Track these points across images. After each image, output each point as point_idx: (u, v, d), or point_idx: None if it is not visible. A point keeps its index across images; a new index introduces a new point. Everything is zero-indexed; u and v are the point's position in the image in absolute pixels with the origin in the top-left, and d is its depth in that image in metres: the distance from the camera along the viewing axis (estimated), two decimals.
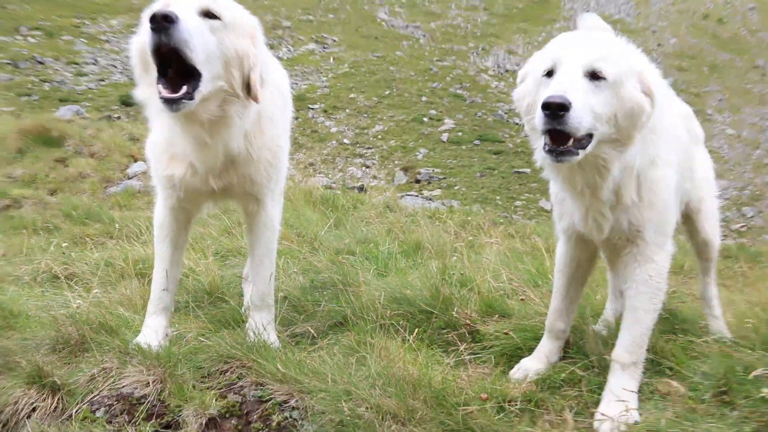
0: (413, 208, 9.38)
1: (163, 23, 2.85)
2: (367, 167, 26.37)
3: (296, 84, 33.06)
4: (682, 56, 42.82)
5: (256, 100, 3.26)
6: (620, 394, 3.09)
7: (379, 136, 29.21)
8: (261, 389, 3.25)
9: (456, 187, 24.49)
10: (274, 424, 3.12)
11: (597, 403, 3.15)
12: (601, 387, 3.24)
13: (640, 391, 3.20)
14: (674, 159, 3.29)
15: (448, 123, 30.29)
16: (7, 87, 22.72)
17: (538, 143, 3.05)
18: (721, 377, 3.13)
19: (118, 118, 21.59)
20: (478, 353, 3.72)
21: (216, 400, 3.20)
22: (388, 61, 36.91)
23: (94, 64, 32.44)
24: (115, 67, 31.96)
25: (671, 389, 3.17)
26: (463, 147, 28.34)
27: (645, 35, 44.97)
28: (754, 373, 3.08)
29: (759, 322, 3.68)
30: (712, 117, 33.92)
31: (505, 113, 31.23)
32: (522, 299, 4.44)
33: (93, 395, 3.26)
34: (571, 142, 2.82)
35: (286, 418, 3.12)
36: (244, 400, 3.22)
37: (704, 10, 51.72)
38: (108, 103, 27.46)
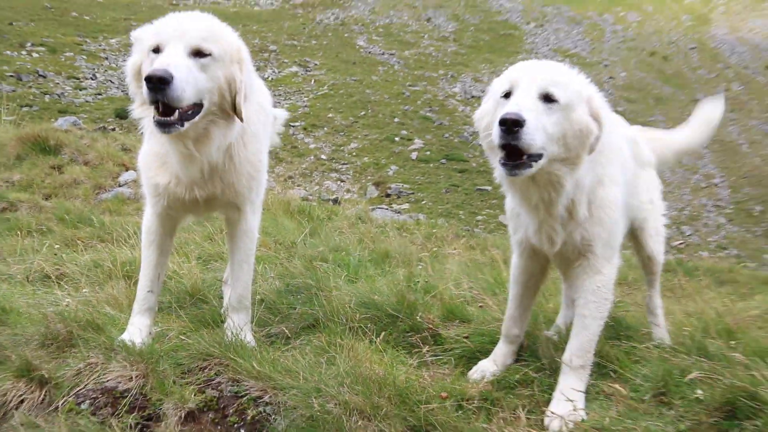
0: (383, 220, 9.37)
1: (158, 85, 2.89)
2: (342, 181, 26.33)
3: (279, 103, 32.98)
4: (631, 88, 43.40)
5: (240, 118, 3.26)
6: (569, 394, 3.10)
7: (354, 153, 29.20)
8: (237, 385, 3.21)
9: (423, 202, 24.53)
10: (248, 418, 3.09)
11: (548, 403, 3.15)
12: (551, 387, 3.24)
13: (587, 392, 3.21)
14: (621, 179, 3.33)
15: (418, 143, 30.35)
16: (10, 98, 22.37)
17: (495, 160, 3.07)
18: (660, 380, 3.15)
19: (113, 129, 21.38)
20: (440, 355, 3.71)
21: (195, 395, 3.16)
22: (364, 84, 36.95)
23: (92, 79, 32.10)
24: (112, 82, 31.63)
25: (615, 390, 3.19)
26: (431, 165, 28.41)
27: (598, 68, 45.51)
28: (689, 377, 3.10)
29: (694, 330, 3.72)
30: None
31: (470, 135, 31.36)
32: (481, 306, 4.44)
33: (79, 388, 3.21)
34: (525, 157, 2.84)
35: (260, 412, 3.09)
36: (221, 395, 3.19)
37: (651, 48, 52.52)
38: (104, 115, 27.14)
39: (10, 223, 6.93)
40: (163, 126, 3.02)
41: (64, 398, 3.17)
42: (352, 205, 11.07)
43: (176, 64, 2.98)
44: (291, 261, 5.44)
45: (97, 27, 39.06)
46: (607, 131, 3.12)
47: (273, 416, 3.07)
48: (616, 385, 3.22)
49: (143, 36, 3.26)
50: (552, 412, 3.04)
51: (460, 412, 3.07)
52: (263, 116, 3.73)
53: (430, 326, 3.91)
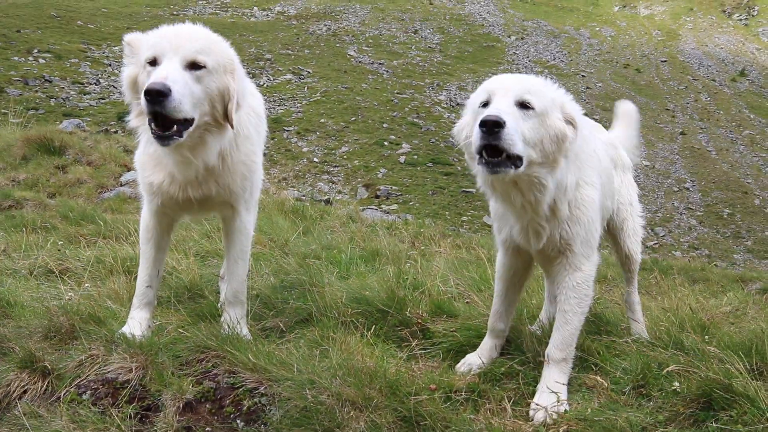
0: (373, 220, 9.33)
1: (157, 98, 2.85)
2: (334, 183, 26.29)
3: (274, 108, 32.92)
4: (606, 98, 43.62)
5: (231, 125, 3.23)
6: (552, 386, 3.08)
7: (345, 157, 29.16)
8: (233, 377, 3.17)
9: (411, 203, 24.53)
10: (244, 408, 3.05)
11: (532, 395, 3.13)
12: (536, 380, 3.22)
13: (569, 384, 3.19)
14: (597, 181, 3.32)
15: (406, 147, 30.35)
16: (17, 101, 22.21)
17: (478, 165, 3.05)
18: (639, 373, 3.14)
19: (115, 132, 21.21)
20: (428, 349, 3.68)
21: (192, 386, 3.12)
22: (355, 92, 36.92)
23: (96, 84, 31.92)
24: (115, 87, 31.41)
25: (596, 383, 3.18)
26: (418, 168, 28.42)
27: (575, 79, 45.75)
28: (667, 370, 3.09)
29: (671, 326, 3.71)
30: None
31: (456, 142, 31.44)
32: (467, 302, 4.41)
33: (80, 379, 3.18)
34: (504, 155, 2.82)
35: (256, 403, 3.06)
36: (217, 387, 3.14)
37: (625, 61, 52.85)
38: (107, 118, 26.98)
39: (16, 220, 6.86)
40: (163, 139, 2.98)
41: (66, 389, 3.14)
42: (343, 205, 11.00)
43: (173, 77, 2.93)
44: (285, 258, 5.39)
45: (101, 35, 38.86)
46: (582, 136, 3.13)
47: (268, 407, 3.04)
48: (598, 378, 3.19)
49: (136, 42, 3.22)
50: (536, 404, 3.02)
51: (448, 403, 3.04)
52: (255, 119, 3.69)
53: (419, 321, 3.88)
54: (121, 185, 9.60)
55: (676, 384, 2.98)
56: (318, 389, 2.97)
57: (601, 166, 3.44)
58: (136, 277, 3.82)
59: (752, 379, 2.85)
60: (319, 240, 6.47)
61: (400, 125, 33.22)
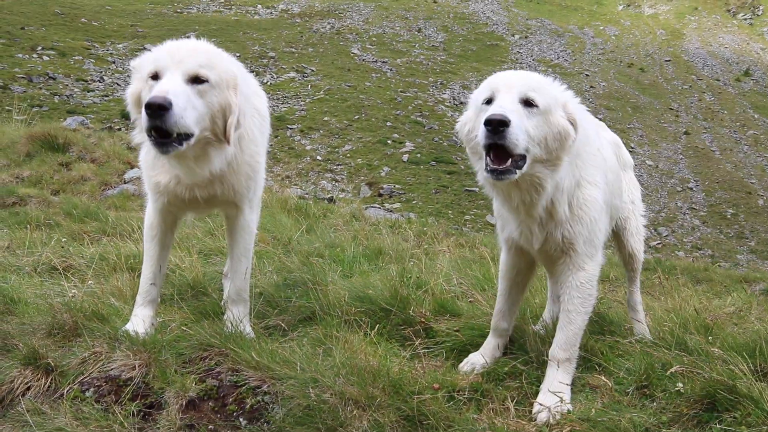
0: (376, 219, 9.33)
1: (158, 112, 2.83)
2: (337, 181, 26.26)
3: (277, 106, 32.87)
4: (610, 97, 43.50)
5: (228, 142, 3.21)
6: (556, 386, 3.08)
7: (348, 155, 29.11)
8: (236, 375, 3.17)
9: (414, 202, 24.48)
10: (247, 406, 3.05)
11: (536, 394, 3.13)
12: (539, 380, 3.22)
13: (573, 384, 3.19)
14: (601, 180, 3.30)
15: (409, 146, 30.30)
16: (21, 98, 22.21)
17: (480, 165, 3.06)
18: (642, 373, 3.13)
19: (119, 129, 21.22)
20: (431, 348, 3.68)
21: (195, 384, 3.12)
22: (358, 90, 36.86)
23: (100, 81, 31.89)
24: (119, 85, 31.38)
25: (600, 383, 3.17)
26: (421, 167, 28.36)
27: (579, 78, 45.59)
28: (671, 370, 3.08)
29: (674, 326, 3.69)
30: (635, 150, 34.51)
31: (458, 139, 31.40)
32: (470, 301, 4.41)
33: (83, 376, 3.18)
34: (509, 162, 2.82)
35: (259, 401, 3.06)
36: (220, 385, 3.15)
37: (629, 60, 52.69)
38: (110, 116, 26.95)
39: (20, 216, 6.87)
40: (162, 146, 2.97)
41: (69, 386, 3.14)
42: (347, 204, 11.01)
43: (175, 91, 2.93)
44: (288, 256, 5.39)
45: (105, 32, 38.84)
46: (584, 135, 3.12)
47: (271, 405, 3.04)
48: (602, 378, 3.19)
49: (142, 64, 3.21)
50: (540, 404, 3.01)
51: (451, 402, 3.04)
52: (259, 120, 3.69)
53: (422, 320, 3.87)
54: (125, 182, 9.62)
55: (680, 385, 2.96)
56: (321, 388, 2.96)
57: (606, 165, 3.42)
58: (140, 274, 3.82)
59: (756, 381, 2.84)
60: (322, 238, 6.47)
61: (403, 124, 33.17)
